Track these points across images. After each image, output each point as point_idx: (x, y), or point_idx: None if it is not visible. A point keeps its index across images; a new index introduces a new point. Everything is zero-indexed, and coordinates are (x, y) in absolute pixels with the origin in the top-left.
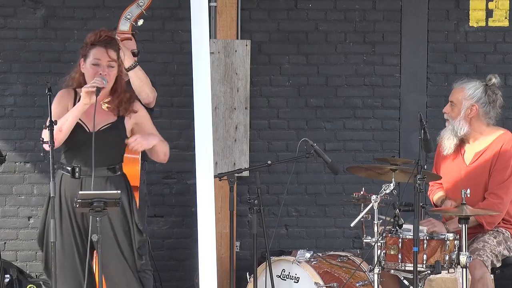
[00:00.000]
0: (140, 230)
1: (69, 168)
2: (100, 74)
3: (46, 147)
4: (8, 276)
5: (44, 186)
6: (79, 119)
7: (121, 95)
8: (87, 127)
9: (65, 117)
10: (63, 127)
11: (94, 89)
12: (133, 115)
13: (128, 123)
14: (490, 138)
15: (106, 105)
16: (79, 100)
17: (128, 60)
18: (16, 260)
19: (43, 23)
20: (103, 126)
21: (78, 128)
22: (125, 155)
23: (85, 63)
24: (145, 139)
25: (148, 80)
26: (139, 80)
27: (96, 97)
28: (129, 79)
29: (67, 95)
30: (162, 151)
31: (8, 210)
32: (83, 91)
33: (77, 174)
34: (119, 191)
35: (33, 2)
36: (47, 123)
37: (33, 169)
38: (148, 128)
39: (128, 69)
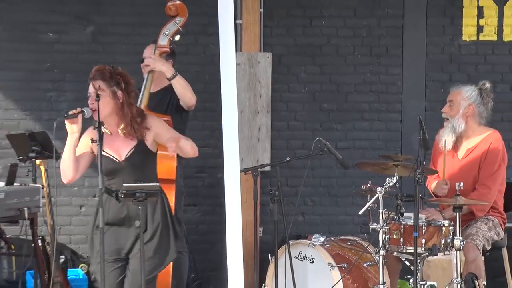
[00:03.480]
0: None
1: (112, 193)
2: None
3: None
4: (63, 256)
5: (94, 179)
6: (106, 152)
7: (131, 121)
8: (115, 158)
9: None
10: (64, 156)
11: (67, 119)
12: (148, 132)
13: (148, 140)
14: (480, 136)
15: (122, 131)
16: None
17: (169, 71)
18: (70, 243)
19: (92, 38)
20: (128, 152)
21: (108, 160)
22: (162, 152)
23: None
24: (175, 142)
25: (189, 86)
26: (180, 87)
27: (69, 118)
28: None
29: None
30: (188, 146)
31: (62, 200)
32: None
33: (120, 198)
34: (158, 183)
35: (83, 20)
36: (96, 124)
37: None
38: (166, 134)
39: (170, 79)
